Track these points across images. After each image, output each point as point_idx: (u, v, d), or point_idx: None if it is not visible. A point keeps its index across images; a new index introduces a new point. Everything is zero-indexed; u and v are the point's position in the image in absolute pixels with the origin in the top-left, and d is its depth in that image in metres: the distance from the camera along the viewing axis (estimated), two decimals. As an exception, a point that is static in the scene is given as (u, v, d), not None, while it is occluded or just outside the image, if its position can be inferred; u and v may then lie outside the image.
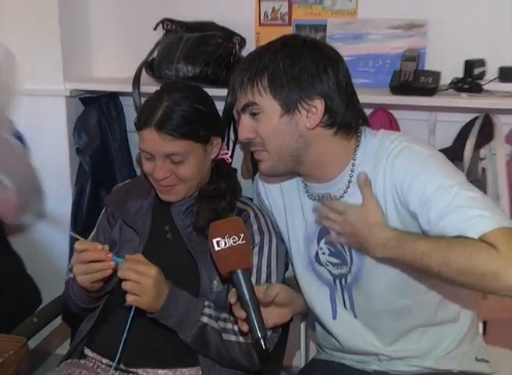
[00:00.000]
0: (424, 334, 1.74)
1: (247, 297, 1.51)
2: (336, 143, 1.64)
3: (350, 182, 1.66)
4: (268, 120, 1.61)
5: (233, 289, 1.55)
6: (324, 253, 1.74)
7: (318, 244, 1.75)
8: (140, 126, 1.75)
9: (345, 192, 1.67)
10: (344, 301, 1.75)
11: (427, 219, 1.52)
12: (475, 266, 1.39)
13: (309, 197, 1.74)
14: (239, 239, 1.53)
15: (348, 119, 1.63)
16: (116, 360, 1.67)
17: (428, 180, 1.53)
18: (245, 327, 1.53)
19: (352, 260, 1.69)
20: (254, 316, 1.50)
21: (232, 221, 1.61)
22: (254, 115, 1.62)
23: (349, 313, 1.76)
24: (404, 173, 1.56)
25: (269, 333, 1.65)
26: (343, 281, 1.73)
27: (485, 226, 1.43)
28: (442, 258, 1.42)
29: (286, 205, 1.81)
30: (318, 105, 1.58)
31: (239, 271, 1.52)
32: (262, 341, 1.49)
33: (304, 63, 1.57)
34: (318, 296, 1.78)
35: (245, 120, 1.65)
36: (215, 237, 1.53)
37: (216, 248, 1.52)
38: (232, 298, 1.56)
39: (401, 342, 1.74)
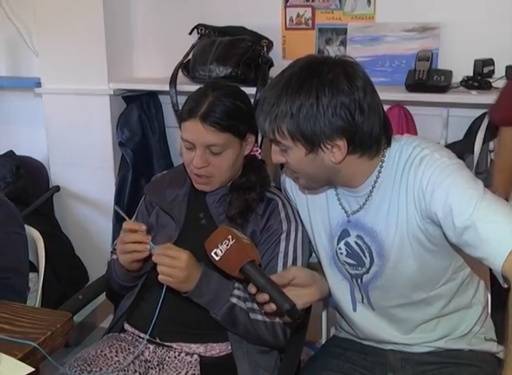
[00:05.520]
0: (439, 323, 1.67)
1: (262, 282, 1.53)
2: (362, 163, 1.53)
3: (373, 187, 1.57)
4: (295, 156, 1.50)
5: (250, 283, 1.55)
6: (342, 253, 1.66)
7: (338, 245, 1.66)
8: (185, 117, 1.71)
9: (369, 196, 1.58)
10: (362, 297, 1.69)
11: (452, 228, 1.45)
12: None
13: (337, 198, 1.66)
14: (229, 241, 1.55)
15: (373, 142, 1.50)
16: (148, 332, 1.65)
17: (450, 189, 1.44)
18: (273, 306, 1.52)
19: (372, 262, 1.61)
20: (274, 293, 1.51)
21: (217, 231, 1.59)
22: (282, 150, 1.53)
23: (367, 307, 1.70)
24: (426, 182, 1.47)
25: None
26: (359, 281, 1.66)
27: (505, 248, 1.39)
28: None
29: (309, 201, 1.73)
30: (341, 143, 1.45)
31: (245, 265, 1.54)
32: (292, 311, 1.50)
33: (321, 109, 1.41)
34: (339, 289, 1.72)
35: (275, 149, 1.55)
36: (211, 250, 1.56)
37: (217, 258, 1.56)
38: (252, 289, 1.55)
39: (417, 331, 1.67)
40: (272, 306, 1.52)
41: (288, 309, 1.49)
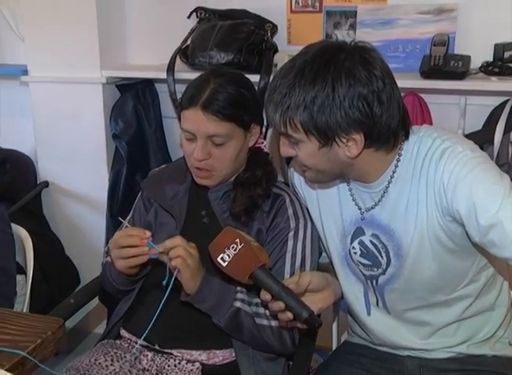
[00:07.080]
0: (460, 326, 1.64)
1: (276, 288, 1.48)
2: (378, 157, 1.50)
3: (390, 182, 1.53)
4: (307, 150, 1.47)
5: (262, 290, 1.51)
6: (356, 253, 1.63)
7: (351, 244, 1.64)
8: (185, 105, 1.68)
9: (385, 192, 1.55)
10: (377, 300, 1.66)
11: (476, 226, 1.42)
12: None
13: (350, 193, 1.62)
14: (237, 245, 1.51)
15: (390, 135, 1.46)
16: (142, 337, 1.58)
17: (473, 185, 1.41)
18: (289, 315, 1.48)
19: (389, 263, 1.58)
20: (291, 301, 1.47)
21: (223, 234, 1.55)
22: (293, 143, 1.48)
23: (382, 310, 1.67)
24: (447, 177, 1.44)
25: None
26: (374, 282, 1.63)
27: None
28: None
29: (320, 197, 1.70)
30: (357, 137, 1.42)
31: (256, 271, 1.49)
32: (311, 319, 1.46)
33: (337, 101, 1.38)
34: (352, 291, 1.69)
35: (285, 142, 1.51)
36: (218, 255, 1.51)
37: (224, 264, 1.51)
38: (266, 296, 1.50)
39: (437, 336, 1.65)
40: (289, 315, 1.48)
41: (306, 318, 1.45)
